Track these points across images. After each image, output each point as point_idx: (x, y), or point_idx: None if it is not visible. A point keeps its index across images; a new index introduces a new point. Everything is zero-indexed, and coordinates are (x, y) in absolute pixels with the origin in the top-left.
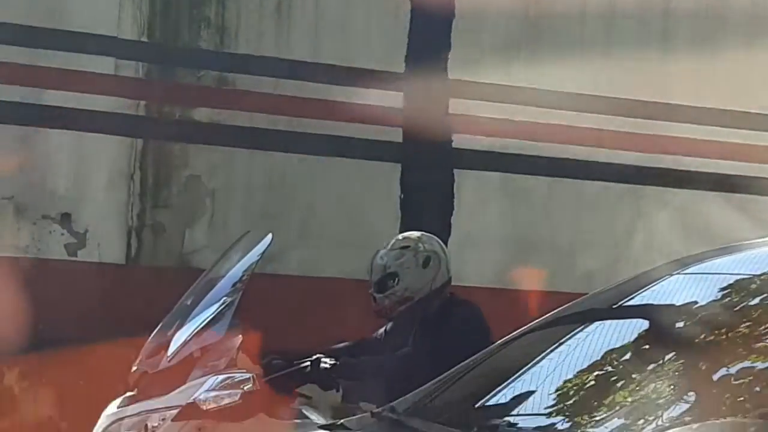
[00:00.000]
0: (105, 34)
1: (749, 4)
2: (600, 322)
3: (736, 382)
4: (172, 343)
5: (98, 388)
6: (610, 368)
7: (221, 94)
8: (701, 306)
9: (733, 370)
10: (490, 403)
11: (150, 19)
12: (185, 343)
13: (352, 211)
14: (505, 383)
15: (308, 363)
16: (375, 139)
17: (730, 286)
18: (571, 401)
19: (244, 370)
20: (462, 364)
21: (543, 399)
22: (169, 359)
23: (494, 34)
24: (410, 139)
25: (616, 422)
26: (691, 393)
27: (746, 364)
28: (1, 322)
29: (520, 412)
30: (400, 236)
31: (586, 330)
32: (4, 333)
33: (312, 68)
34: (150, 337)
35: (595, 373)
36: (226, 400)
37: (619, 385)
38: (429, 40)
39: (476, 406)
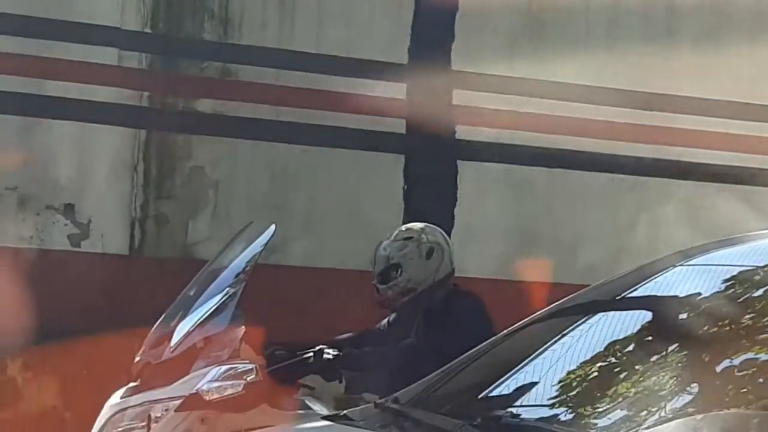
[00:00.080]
0: (108, 25)
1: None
2: (603, 313)
3: (739, 374)
4: (175, 334)
5: (102, 379)
6: (613, 359)
7: (224, 85)
8: (704, 297)
9: (736, 361)
10: (494, 394)
11: (153, 9)
12: (188, 333)
13: (355, 202)
14: (509, 374)
15: (311, 354)
16: (378, 131)
17: (733, 277)
18: (574, 392)
19: (247, 361)
20: (465, 355)
21: (546, 390)
22: (172, 350)
23: (497, 25)
24: (413, 131)
25: (619, 413)
26: (694, 384)
27: (749, 355)
28: (5, 313)
29: (524, 403)
30: (403, 227)
31: (589, 321)
32: (7, 324)
33: (315, 59)
34: (153, 328)
35: (598, 365)
36: (229, 391)
37: (622, 376)
38: (432, 31)
39: (479, 397)
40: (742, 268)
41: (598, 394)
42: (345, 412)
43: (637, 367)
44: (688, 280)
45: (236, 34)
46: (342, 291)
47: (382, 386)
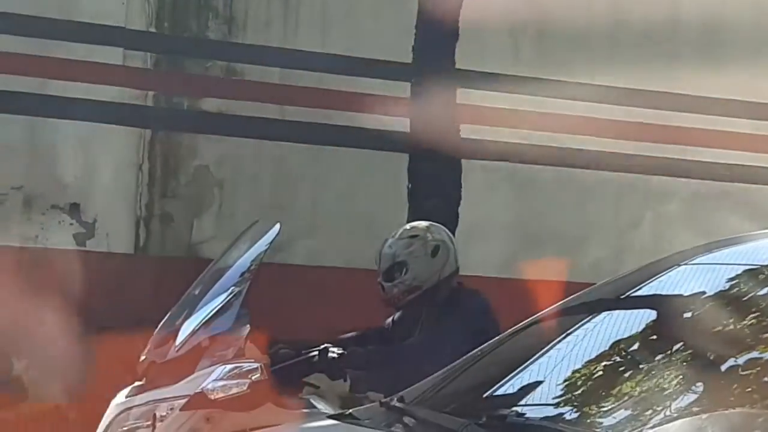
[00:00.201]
0: (113, 25)
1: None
2: (608, 312)
3: (744, 373)
4: (180, 333)
5: (107, 378)
6: (618, 358)
7: (229, 84)
8: (709, 296)
9: (741, 360)
10: (499, 393)
11: (158, 9)
12: (193, 332)
13: (360, 201)
14: (514, 373)
15: (316, 352)
16: (382, 129)
17: (738, 276)
18: (579, 391)
19: (252, 360)
20: (470, 354)
21: (551, 389)
22: (177, 349)
23: (502, 24)
24: (417, 129)
25: (624, 412)
26: (699, 383)
27: (754, 354)
28: (10, 312)
29: (529, 403)
30: (407, 226)
31: (594, 320)
32: (13, 323)
33: (320, 58)
34: (158, 327)
35: (603, 364)
36: (234, 390)
37: (627, 375)
38: (437, 30)
39: (485, 396)
40: (747, 267)
41: (603, 393)
42: (350, 411)
43: (641, 366)
44: (692, 279)
45: (241, 33)
46: (347, 290)
47: (387, 385)
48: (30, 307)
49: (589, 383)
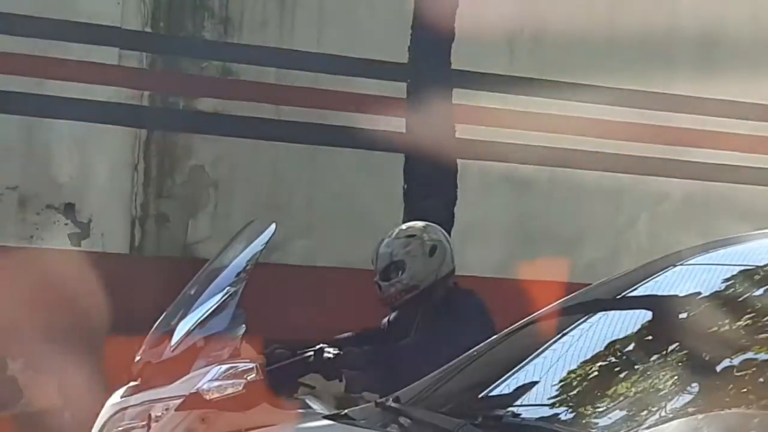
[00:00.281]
0: (109, 25)
1: None
2: (604, 312)
3: (740, 373)
4: (175, 333)
5: (102, 378)
6: (613, 359)
7: (225, 84)
8: (705, 297)
9: (736, 361)
10: (494, 393)
11: (154, 9)
12: (189, 332)
13: (356, 202)
14: (509, 374)
15: (311, 353)
16: (378, 129)
17: (733, 277)
18: (574, 392)
19: (248, 360)
20: (466, 354)
21: (547, 389)
22: (172, 349)
23: (498, 24)
24: (413, 129)
25: (620, 413)
26: (694, 384)
27: (750, 355)
28: (5, 312)
29: (524, 403)
30: (404, 226)
31: (589, 321)
32: (7, 323)
33: (316, 59)
34: (154, 327)
35: (599, 364)
36: (230, 390)
37: (622, 375)
38: (433, 31)
39: (480, 396)
40: (743, 268)
41: (599, 394)
42: (346, 411)
43: (637, 366)
44: (688, 280)
45: (236, 33)
46: (342, 290)
47: (382, 385)
48: (24, 308)
49: (585, 383)
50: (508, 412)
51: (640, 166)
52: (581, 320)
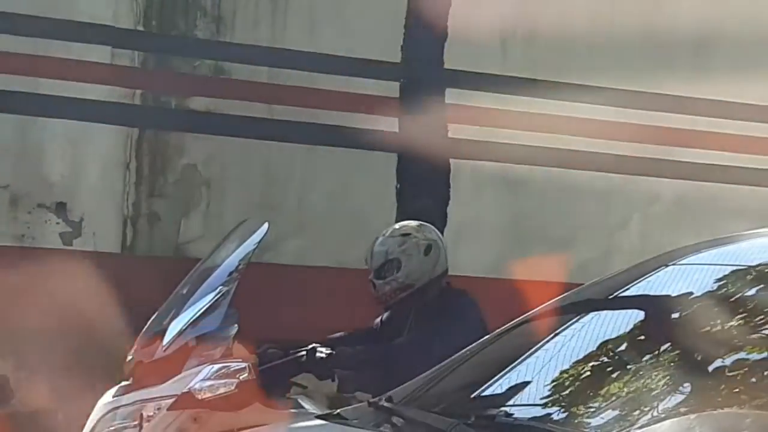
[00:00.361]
0: (101, 23)
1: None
2: (596, 312)
3: (732, 373)
4: (167, 333)
5: (94, 377)
6: (606, 359)
7: (217, 83)
8: (697, 297)
9: (728, 361)
10: (487, 393)
11: (146, 8)
12: (181, 332)
13: (349, 201)
14: (502, 373)
15: (304, 352)
16: (371, 129)
17: (725, 277)
18: (567, 392)
19: (240, 360)
20: (458, 354)
21: (539, 389)
22: (164, 349)
23: (491, 24)
24: (406, 129)
25: (612, 413)
26: (686, 384)
27: (742, 355)
28: None
29: (517, 403)
30: (398, 225)
31: (582, 321)
32: None
33: (308, 58)
34: (146, 327)
35: (592, 364)
36: (222, 390)
37: (615, 375)
38: (426, 30)
39: (473, 396)
40: (734, 268)
41: (591, 394)
42: (338, 410)
43: (629, 366)
44: (680, 280)
45: (229, 32)
46: (335, 289)
47: (375, 385)
48: (15, 307)
49: (578, 383)
50: (500, 411)
51: (633, 167)
52: (574, 320)
